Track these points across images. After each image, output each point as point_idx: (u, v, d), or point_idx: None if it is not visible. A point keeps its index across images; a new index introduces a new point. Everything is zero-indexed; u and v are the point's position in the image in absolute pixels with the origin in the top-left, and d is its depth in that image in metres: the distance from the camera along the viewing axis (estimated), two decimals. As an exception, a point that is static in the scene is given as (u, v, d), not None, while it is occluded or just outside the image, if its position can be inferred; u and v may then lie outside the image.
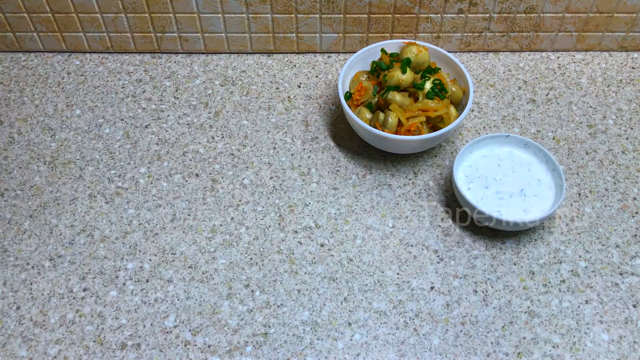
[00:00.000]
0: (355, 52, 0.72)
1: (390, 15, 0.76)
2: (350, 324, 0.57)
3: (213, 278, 0.60)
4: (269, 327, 0.57)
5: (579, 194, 0.67)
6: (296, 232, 0.64)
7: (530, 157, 0.66)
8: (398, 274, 0.61)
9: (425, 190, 0.67)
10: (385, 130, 0.64)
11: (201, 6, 0.75)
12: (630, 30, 0.79)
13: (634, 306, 0.59)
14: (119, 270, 0.61)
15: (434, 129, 0.67)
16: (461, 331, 0.57)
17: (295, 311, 0.58)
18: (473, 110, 0.75)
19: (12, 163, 0.70)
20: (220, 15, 0.76)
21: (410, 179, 0.68)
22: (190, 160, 0.70)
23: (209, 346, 0.56)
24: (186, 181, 0.68)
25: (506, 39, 0.80)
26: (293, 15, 0.76)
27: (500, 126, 0.73)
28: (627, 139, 0.72)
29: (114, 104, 0.75)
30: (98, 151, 0.71)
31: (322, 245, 0.63)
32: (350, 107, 0.67)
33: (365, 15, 0.76)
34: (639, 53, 0.82)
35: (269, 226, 0.64)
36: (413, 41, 0.71)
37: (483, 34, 0.79)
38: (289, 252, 0.62)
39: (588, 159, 0.70)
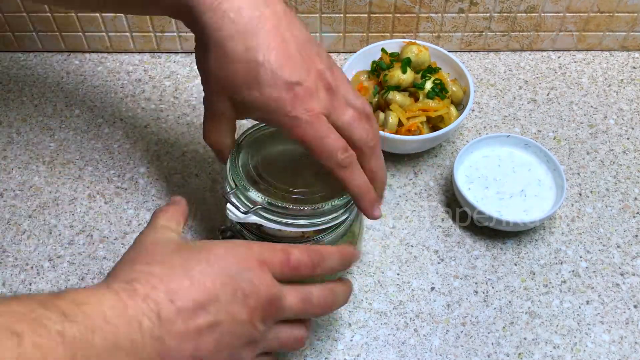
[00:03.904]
0: (355, 52, 0.71)
1: (390, 15, 0.76)
2: (350, 324, 0.57)
3: (213, 278, 0.60)
4: (269, 327, 0.57)
5: (580, 194, 0.67)
6: (296, 232, 0.63)
7: (531, 157, 0.66)
8: (398, 274, 0.60)
9: (425, 190, 0.67)
10: (386, 130, 0.64)
11: (201, 6, 0.75)
12: (632, 29, 0.79)
13: (635, 307, 0.58)
14: (119, 271, 0.61)
15: (434, 128, 0.67)
16: (462, 332, 0.57)
17: (295, 312, 0.58)
18: (473, 110, 0.75)
19: (11, 163, 0.70)
20: (220, 14, 0.76)
21: (410, 179, 0.68)
22: (190, 160, 0.70)
23: (208, 347, 0.55)
24: (186, 181, 0.68)
25: (507, 38, 0.80)
26: (293, 15, 0.76)
27: (501, 126, 0.73)
28: (628, 138, 0.72)
29: (113, 103, 0.75)
30: (97, 151, 0.71)
31: (322, 246, 0.62)
32: (350, 107, 0.67)
33: (366, 15, 0.76)
34: (640, 53, 0.82)
35: (269, 226, 0.64)
36: (413, 41, 0.71)
37: (484, 33, 0.79)
38: (289, 253, 0.62)
39: (589, 159, 0.70)
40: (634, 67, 0.80)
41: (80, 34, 0.79)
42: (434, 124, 0.66)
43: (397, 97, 0.66)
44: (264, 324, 0.41)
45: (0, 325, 0.31)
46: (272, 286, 0.41)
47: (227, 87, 0.45)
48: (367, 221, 0.64)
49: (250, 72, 0.44)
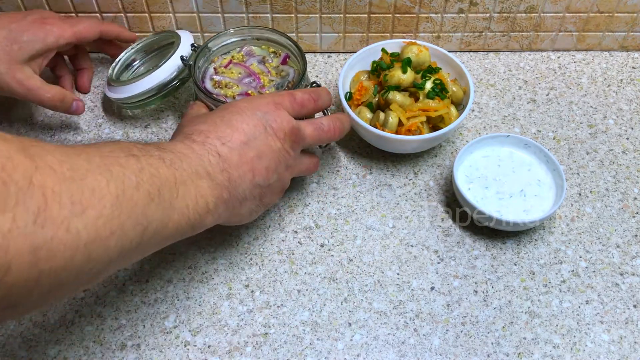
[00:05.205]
0: (355, 52, 0.72)
1: (390, 15, 0.76)
2: (350, 324, 0.57)
3: (213, 278, 0.60)
4: (269, 327, 0.57)
5: (580, 194, 0.67)
6: (296, 232, 0.63)
7: (531, 157, 0.66)
8: (398, 274, 0.61)
9: (425, 190, 0.67)
10: (386, 130, 0.64)
11: (201, 6, 0.75)
12: (631, 30, 0.79)
13: (635, 306, 0.58)
14: (119, 270, 0.61)
15: (434, 128, 0.67)
16: (461, 331, 0.57)
17: (295, 311, 0.58)
18: (473, 110, 0.75)
19: (11, 163, 0.69)
20: (220, 15, 0.76)
21: (410, 179, 0.68)
22: (190, 160, 0.70)
23: (208, 346, 0.56)
24: (186, 181, 0.68)
25: (506, 38, 0.80)
26: (293, 15, 0.76)
27: (501, 126, 0.73)
28: (627, 138, 0.72)
29: (114, 103, 0.75)
30: (98, 151, 0.71)
31: (322, 246, 0.62)
32: (350, 107, 0.67)
33: (366, 15, 0.76)
34: (640, 53, 0.82)
35: (269, 226, 0.64)
36: (413, 41, 0.71)
37: (483, 33, 0.79)
38: (289, 252, 0.62)
39: (588, 159, 0.70)
40: (633, 67, 0.80)
41: (81, 34, 0.79)
42: (434, 124, 0.67)
43: (397, 97, 0.66)
44: (293, 150, 0.54)
45: (122, 150, 0.42)
46: (291, 120, 0.53)
47: None
48: (367, 221, 0.64)
49: None
